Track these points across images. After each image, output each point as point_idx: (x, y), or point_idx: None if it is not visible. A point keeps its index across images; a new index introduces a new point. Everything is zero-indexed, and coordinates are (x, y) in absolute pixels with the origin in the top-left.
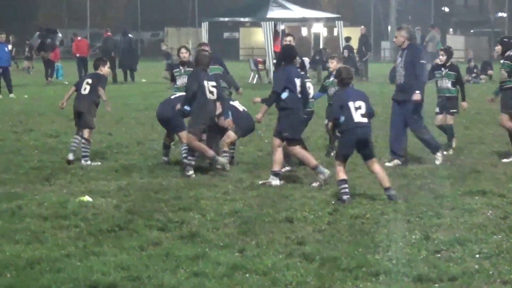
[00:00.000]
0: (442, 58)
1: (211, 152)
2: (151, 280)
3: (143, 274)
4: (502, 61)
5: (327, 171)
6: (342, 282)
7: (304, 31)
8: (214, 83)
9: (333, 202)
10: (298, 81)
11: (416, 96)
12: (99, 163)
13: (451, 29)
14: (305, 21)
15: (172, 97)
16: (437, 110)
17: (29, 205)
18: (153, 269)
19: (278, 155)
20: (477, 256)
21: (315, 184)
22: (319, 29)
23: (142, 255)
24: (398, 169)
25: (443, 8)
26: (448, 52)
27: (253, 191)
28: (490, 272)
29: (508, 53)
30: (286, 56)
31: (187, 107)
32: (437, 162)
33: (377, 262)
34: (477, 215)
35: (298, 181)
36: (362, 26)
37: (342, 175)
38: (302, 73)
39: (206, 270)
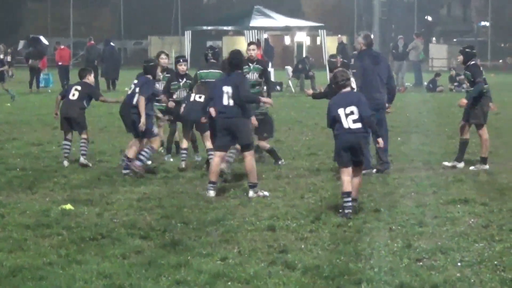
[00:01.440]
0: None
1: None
2: None
3: (125, 282)
4: (464, 71)
5: (210, 194)
6: None
7: (287, 40)
8: None
9: (337, 214)
10: (226, 88)
11: None
12: (90, 165)
13: (434, 38)
14: (288, 30)
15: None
16: None
17: (11, 213)
18: (135, 277)
19: (247, 165)
20: (459, 264)
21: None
22: (302, 38)
23: (124, 263)
24: (380, 177)
25: (426, 17)
26: (343, 64)
27: (235, 199)
28: (472, 280)
29: (469, 63)
30: (233, 63)
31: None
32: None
33: (360, 270)
34: (459, 224)
35: (280, 190)
36: (339, 35)
37: (345, 187)
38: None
39: (188, 278)
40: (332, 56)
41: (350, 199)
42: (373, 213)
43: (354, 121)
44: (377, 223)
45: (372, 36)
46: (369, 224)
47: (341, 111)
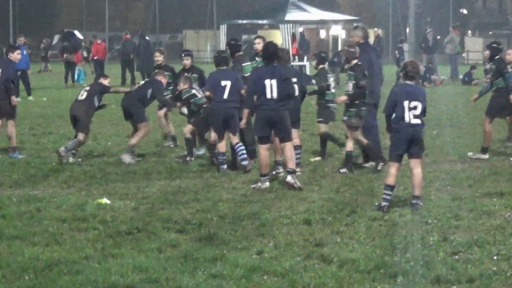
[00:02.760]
0: (313, 63)
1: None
2: (169, 282)
3: (161, 276)
4: (490, 65)
5: (266, 185)
6: (360, 284)
7: (322, 34)
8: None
9: (372, 208)
10: (269, 82)
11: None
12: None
13: (469, 31)
14: (323, 23)
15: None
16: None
17: (47, 207)
18: (171, 271)
19: (287, 153)
20: (495, 257)
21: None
22: (337, 31)
23: (160, 257)
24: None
25: (461, 10)
26: (318, 56)
27: (271, 193)
28: (508, 274)
29: (495, 58)
30: (268, 55)
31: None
32: (378, 168)
33: (395, 263)
34: (495, 217)
35: (316, 184)
36: (375, 29)
37: (389, 180)
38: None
39: (224, 272)
40: (350, 46)
41: (390, 192)
42: (408, 207)
43: (415, 116)
44: (413, 217)
45: (407, 30)
46: (405, 217)
47: (405, 104)
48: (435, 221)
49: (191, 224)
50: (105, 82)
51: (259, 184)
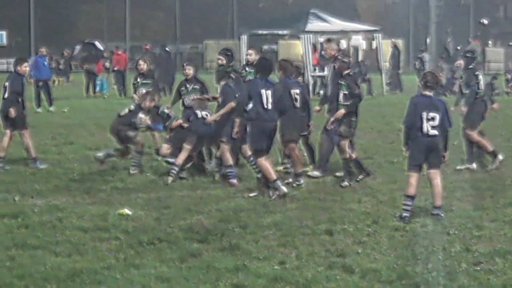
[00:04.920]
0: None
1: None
2: None
3: (183, 287)
4: (462, 74)
5: (284, 189)
6: None
7: (343, 44)
8: None
9: (393, 219)
10: (265, 92)
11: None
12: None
13: (490, 42)
14: (344, 34)
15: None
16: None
17: (69, 217)
18: (192, 282)
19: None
20: None
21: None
22: (358, 41)
23: (182, 267)
24: None
25: (482, 21)
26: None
27: (292, 203)
28: None
29: (468, 67)
30: (260, 69)
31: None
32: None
33: (417, 274)
34: None
35: (337, 194)
36: (392, 39)
37: (410, 190)
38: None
39: (246, 283)
40: (345, 55)
41: (410, 202)
42: (430, 217)
43: (433, 127)
44: (434, 227)
45: (427, 40)
46: (426, 228)
47: (424, 114)
48: (456, 231)
49: (213, 234)
50: (147, 104)
51: (277, 192)
